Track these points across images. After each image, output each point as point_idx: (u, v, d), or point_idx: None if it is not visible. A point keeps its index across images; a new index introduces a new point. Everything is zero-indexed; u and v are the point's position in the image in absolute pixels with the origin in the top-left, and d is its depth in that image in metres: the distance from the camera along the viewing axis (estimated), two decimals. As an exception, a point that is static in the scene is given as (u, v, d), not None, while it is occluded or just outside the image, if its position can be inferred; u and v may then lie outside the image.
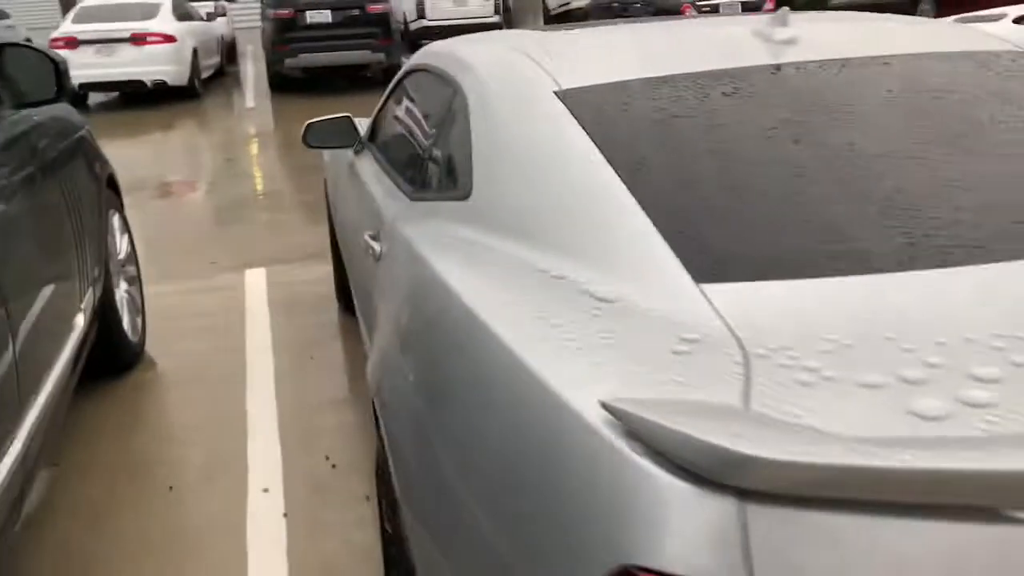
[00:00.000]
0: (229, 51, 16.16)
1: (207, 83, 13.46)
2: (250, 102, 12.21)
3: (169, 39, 11.76)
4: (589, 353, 1.16)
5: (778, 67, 1.82)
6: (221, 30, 14.82)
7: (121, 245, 3.91)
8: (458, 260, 1.59)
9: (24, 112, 2.93)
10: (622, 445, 0.96)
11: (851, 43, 1.96)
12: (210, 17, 14.21)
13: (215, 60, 14.07)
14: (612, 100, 1.74)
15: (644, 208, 1.43)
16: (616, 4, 15.14)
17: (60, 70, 2.73)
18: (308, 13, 11.91)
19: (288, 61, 11.99)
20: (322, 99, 11.41)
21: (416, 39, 17.27)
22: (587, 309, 1.28)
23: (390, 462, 1.59)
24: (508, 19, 18.47)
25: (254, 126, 10.49)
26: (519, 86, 1.88)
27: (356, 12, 12.00)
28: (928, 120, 1.65)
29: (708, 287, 1.26)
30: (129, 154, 9.06)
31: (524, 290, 1.38)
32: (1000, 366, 1.04)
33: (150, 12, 12.17)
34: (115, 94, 12.64)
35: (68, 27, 11.92)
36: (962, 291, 1.23)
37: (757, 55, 1.89)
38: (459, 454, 1.26)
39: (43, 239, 2.72)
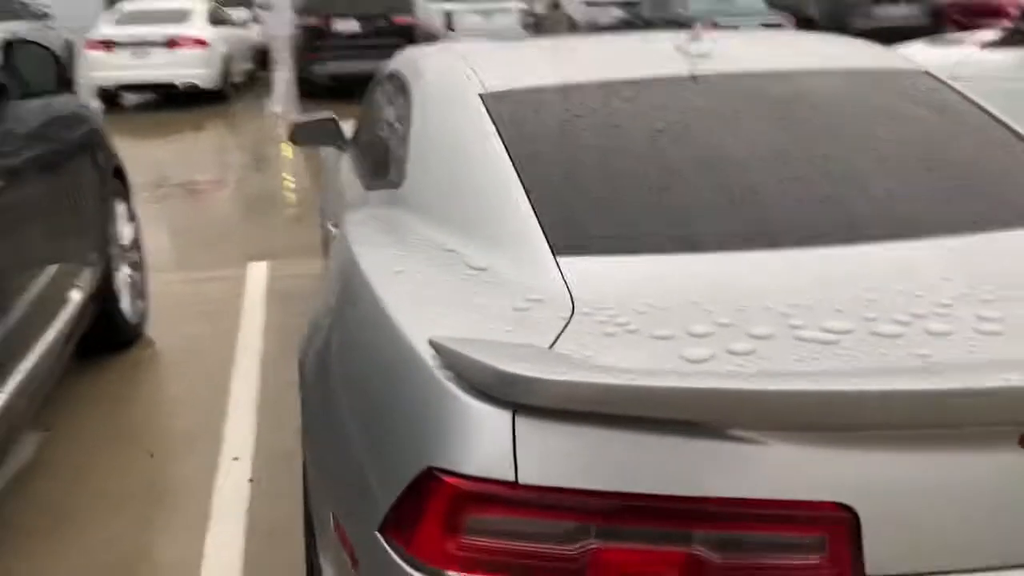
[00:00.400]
0: (263, 57, 16.59)
1: (239, 87, 13.84)
2: (278, 107, 12.55)
3: (201, 43, 12.15)
4: (444, 308, 1.36)
5: (678, 77, 2.01)
6: (255, 36, 15.22)
7: (125, 232, 4.17)
8: (372, 237, 1.80)
9: (35, 103, 3.20)
10: (439, 374, 1.15)
11: (757, 58, 2.14)
12: (244, 24, 14.62)
13: (248, 65, 14.45)
14: (526, 102, 1.94)
15: (529, 194, 1.63)
16: (639, 21, 15.34)
17: (60, 64, 2.99)
18: (336, 22, 12.24)
19: (316, 68, 12.32)
20: (347, 105, 11.69)
21: (445, 51, 17.58)
22: (460, 275, 1.48)
23: (301, 417, 1.80)
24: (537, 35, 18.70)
25: (279, 129, 10.81)
26: (452, 88, 2.08)
27: (382, 23, 12.32)
28: (797, 127, 1.84)
29: (564, 260, 1.46)
30: (156, 152, 9.41)
31: (416, 260, 1.59)
32: (775, 326, 1.22)
33: (184, 17, 12.58)
34: (151, 95, 13.05)
35: (105, 30, 12.36)
36: (776, 269, 1.41)
37: (668, 67, 2.08)
38: (340, 388, 1.47)
39: (40, 220, 2.97)
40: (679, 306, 1.29)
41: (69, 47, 14.32)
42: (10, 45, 2.91)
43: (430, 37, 14.18)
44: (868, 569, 1.02)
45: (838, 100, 1.96)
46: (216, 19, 13.09)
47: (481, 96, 1.98)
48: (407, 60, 2.68)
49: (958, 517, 1.03)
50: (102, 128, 3.97)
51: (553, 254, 1.47)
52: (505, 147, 1.77)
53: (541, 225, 1.54)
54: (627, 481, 1.02)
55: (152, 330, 4.25)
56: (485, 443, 1.06)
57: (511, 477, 1.04)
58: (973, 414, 1.00)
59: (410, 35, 12.51)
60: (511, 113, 1.90)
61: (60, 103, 3.42)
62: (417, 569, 1.09)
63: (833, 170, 1.70)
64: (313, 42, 12.21)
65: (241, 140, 10.42)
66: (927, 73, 2.19)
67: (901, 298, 1.30)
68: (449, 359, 1.14)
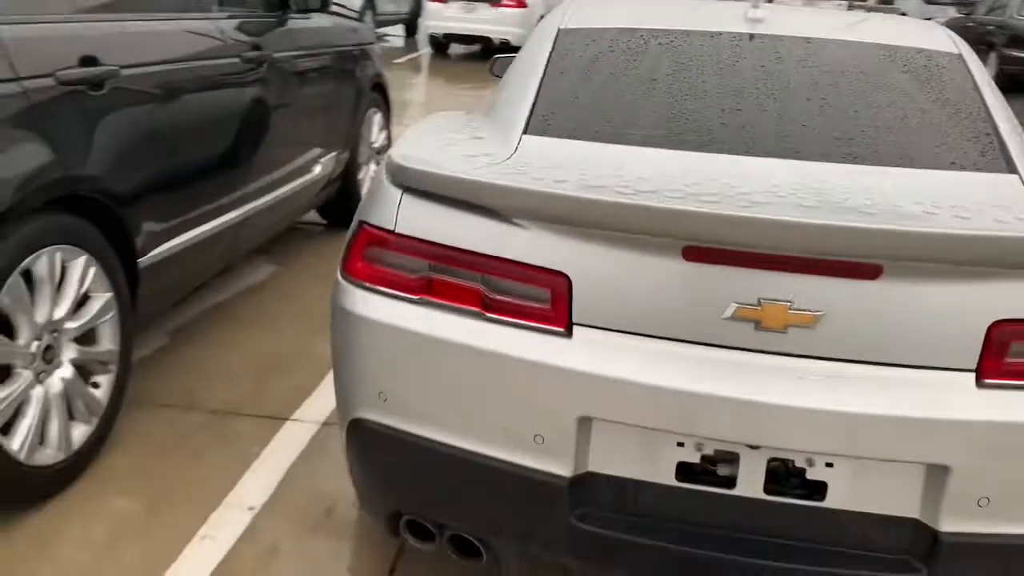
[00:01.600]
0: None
1: (551, 49, 14.99)
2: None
3: (521, 4, 13.38)
4: (427, 146, 2.03)
5: (713, 32, 2.47)
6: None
7: (378, 137, 5.23)
8: (436, 120, 2.49)
9: (313, 18, 4.26)
10: (384, 171, 1.86)
11: (802, 27, 2.53)
12: (567, -9, 15.73)
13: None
14: (587, 36, 2.53)
15: (537, 95, 2.25)
16: (970, 23, 14.35)
17: (326, -11, 4.04)
18: None
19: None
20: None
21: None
22: (462, 137, 2.15)
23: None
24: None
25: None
26: (545, 25, 2.72)
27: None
28: (786, 77, 2.25)
29: (528, 137, 2.08)
30: (461, 96, 10.74)
31: (442, 128, 2.27)
32: (613, 183, 1.74)
33: (514, -22, 13.91)
34: (475, 47, 14.60)
35: (440, -17, 14.05)
36: (661, 160, 1.91)
37: (716, 25, 2.55)
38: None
39: (303, 109, 4.02)
40: (570, 167, 1.87)
41: (418, -1, 16.33)
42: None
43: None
44: (575, 318, 1.58)
45: (840, 63, 2.32)
46: (543, -16, 14.28)
47: (558, 30, 2.61)
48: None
49: (641, 296, 1.55)
50: (371, 48, 5.03)
51: (523, 133, 2.10)
52: (547, 65, 2.40)
53: (529, 116, 2.17)
54: (452, 238, 1.67)
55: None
56: (386, 209, 1.76)
57: (391, 227, 1.73)
58: (649, 225, 1.52)
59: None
60: (570, 43, 2.50)
61: (332, 21, 4.48)
62: (346, 280, 1.82)
63: (777, 109, 2.12)
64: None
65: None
66: (959, 57, 2.45)
67: (731, 187, 1.76)
68: (389, 163, 1.84)
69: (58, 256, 2.39)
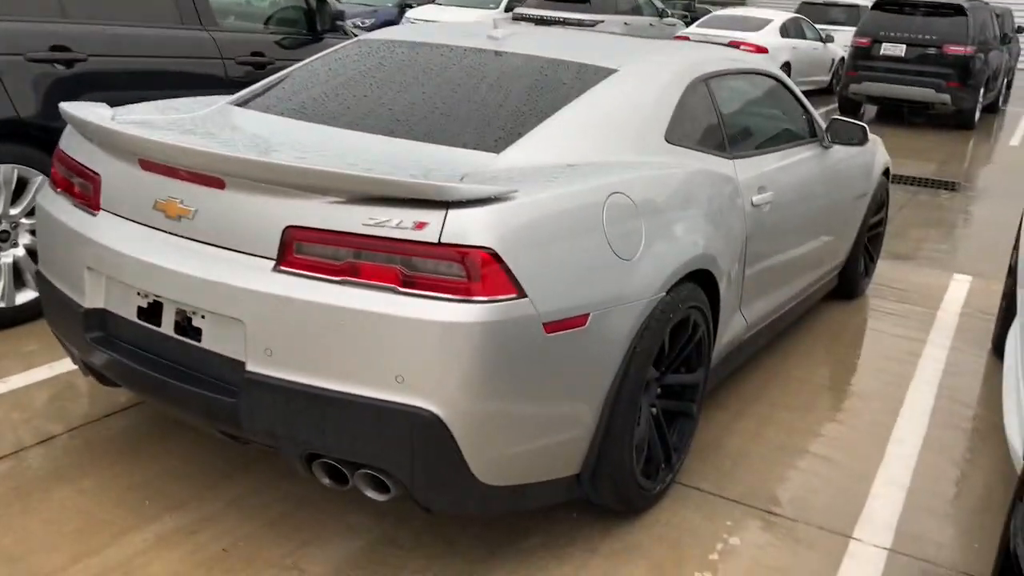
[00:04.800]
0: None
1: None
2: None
3: (760, 50, 13.50)
4: (153, 107, 2.96)
5: (445, 45, 3.11)
6: (838, 54, 15.84)
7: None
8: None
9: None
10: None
11: (517, 43, 3.08)
12: (828, 39, 15.39)
13: (816, 78, 15.16)
14: (365, 43, 3.29)
15: (279, 80, 3.09)
16: None
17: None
18: (884, 45, 12.44)
19: (852, 87, 12.74)
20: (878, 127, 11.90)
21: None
22: (200, 105, 3.05)
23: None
24: None
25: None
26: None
27: (932, 51, 12.11)
28: (448, 80, 2.85)
29: (239, 108, 2.92)
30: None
31: (200, 100, 3.18)
32: (231, 135, 2.56)
33: (760, 26, 14.06)
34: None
35: (692, 29, 14.56)
36: (299, 128, 2.63)
37: (462, 40, 3.17)
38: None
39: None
40: (245, 133, 2.67)
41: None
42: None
43: (989, 73, 12.99)
44: (102, 204, 2.42)
45: (501, 70, 2.86)
46: (791, 31, 14.26)
47: (358, 39, 3.41)
48: None
49: (125, 191, 2.36)
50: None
51: (236, 104, 2.95)
52: (315, 60, 3.23)
53: (252, 93, 3.02)
54: (72, 152, 2.58)
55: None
56: (62, 137, 2.72)
57: (60, 147, 2.69)
58: (121, 145, 2.32)
59: (963, 67, 12.02)
60: (350, 48, 3.29)
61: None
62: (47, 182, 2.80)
63: (388, 99, 2.75)
64: (857, 60, 12.64)
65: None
66: (610, 71, 2.86)
67: (243, 137, 2.49)
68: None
69: (15, 172, 3.66)
